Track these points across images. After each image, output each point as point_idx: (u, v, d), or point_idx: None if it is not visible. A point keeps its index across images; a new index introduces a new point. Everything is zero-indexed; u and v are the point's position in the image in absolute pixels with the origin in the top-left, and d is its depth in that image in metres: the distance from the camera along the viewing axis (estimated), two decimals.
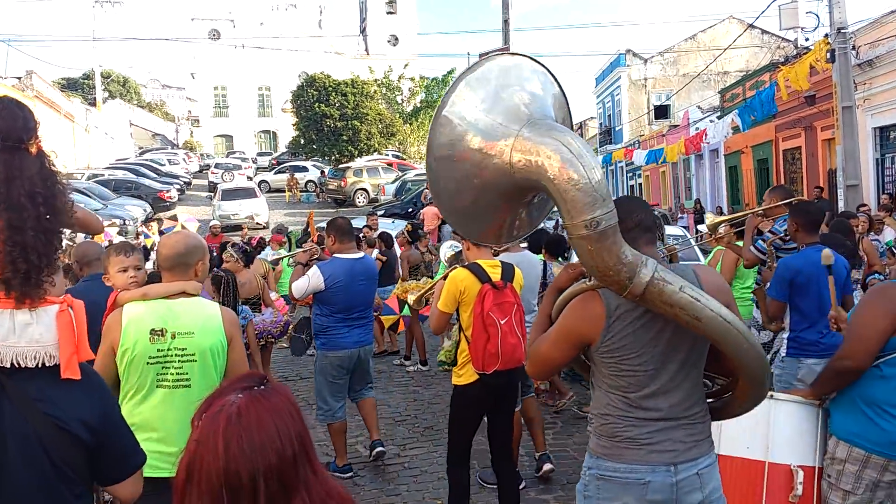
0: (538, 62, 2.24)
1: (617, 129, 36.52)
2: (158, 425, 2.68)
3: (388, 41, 56.62)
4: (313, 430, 5.04)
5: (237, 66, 56.40)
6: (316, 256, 5.31)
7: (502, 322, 3.81)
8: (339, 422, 5.05)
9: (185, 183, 32.72)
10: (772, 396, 2.81)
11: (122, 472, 1.92)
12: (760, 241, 4.79)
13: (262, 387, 1.20)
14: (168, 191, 26.42)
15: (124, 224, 16.57)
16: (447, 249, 6.75)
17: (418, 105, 37.87)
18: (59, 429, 1.79)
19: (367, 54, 55.19)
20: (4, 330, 1.79)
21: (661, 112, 32.45)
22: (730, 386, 2.36)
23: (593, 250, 2.00)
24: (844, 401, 2.74)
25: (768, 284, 4.16)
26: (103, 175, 28.03)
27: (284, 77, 53.30)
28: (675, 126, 27.47)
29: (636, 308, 2.16)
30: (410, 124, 36.47)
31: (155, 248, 10.61)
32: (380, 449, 5.20)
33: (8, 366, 1.78)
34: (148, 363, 2.70)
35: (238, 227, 21.04)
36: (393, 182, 26.98)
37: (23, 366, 1.79)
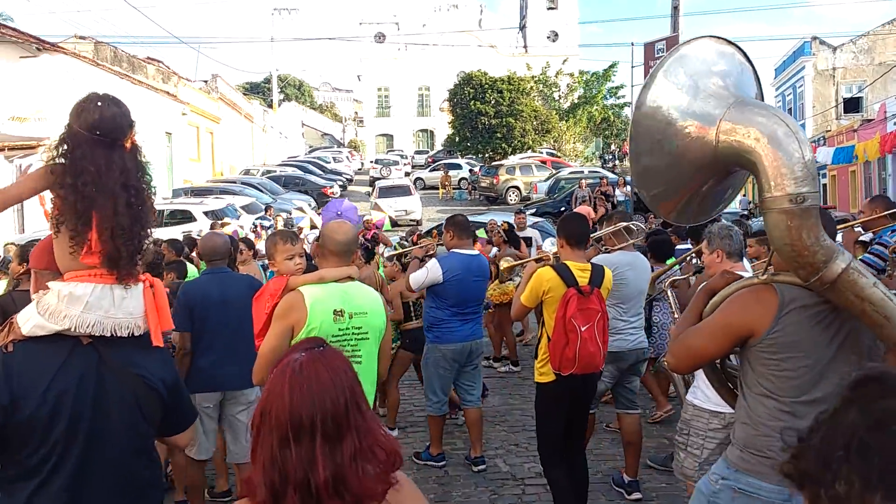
0: (737, 46, 2.29)
1: (800, 123, 33.21)
2: None
3: (548, 37, 55.80)
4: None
5: (399, 67, 58.40)
6: (431, 252, 5.40)
7: (583, 329, 3.81)
8: (443, 414, 5.33)
9: (347, 179, 34.30)
10: None
11: (184, 424, 2.29)
12: (878, 247, 4.55)
13: (321, 348, 1.47)
14: (331, 187, 27.82)
15: (289, 216, 17.61)
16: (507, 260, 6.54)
17: (576, 101, 36.80)
18: (148, 387, 2.08)
19: (526, 51, 54.79)
20: (107, 303, 2.02)
21: (852, 105, 29.17)
22: None
23: (793, 226, 1.95)
24: None
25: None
26: (275, 171, 30.09)
27: (443, 77, 54.34)
28: (869, 121, 24.49)
29: (812, 306, 2.09)
30: (567, 121, 35.54)
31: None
32: (480, 467, 5.23)
33: (108, 335, 2.01)
34: (330, 341, 2.81)
35: (394, 224, 21.69)
36: (546, 180, 26.40)
37: (118, 335, 2.03)
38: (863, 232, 5.01)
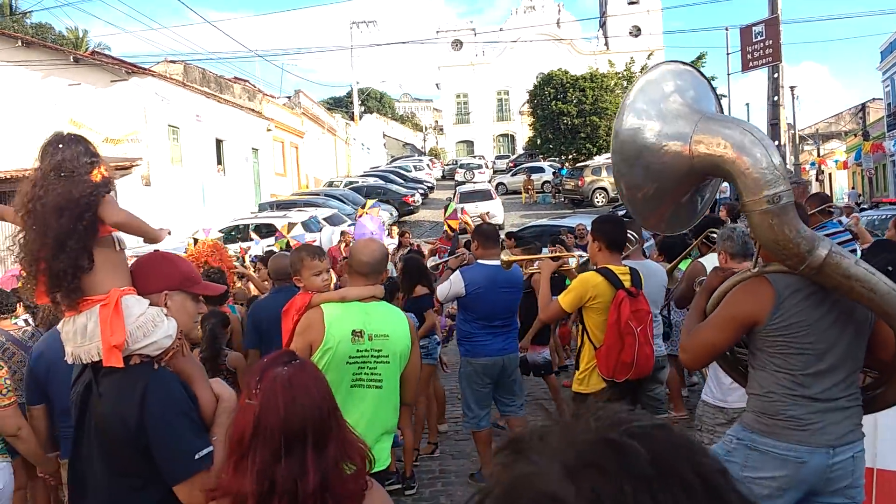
0: (695, 68, 2.56)
1: None
2: (350, 422, 2.58)
3: (631, 32, 53.94)
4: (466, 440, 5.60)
5: (477, 72, 58.10)
6: (465, 262, 5.22)
7: (638, 330, 3.76)
8: (485, 430, 4.97)
9: (428, 187, 34.13)
10: None
11: (171, 475, 1.92)
12: None
13: (297, 360, 1.55)
14: (413, 195, 27.69)
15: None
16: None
17: None
18: (105, 422, 1.98)
19: (607, 48, 53.21)
20: (72, 334, 2.05)
21: None
22: (882, 379, 2.45)
23: (775, 224, 2.14)
24: None
25: None
26: (357, 182, 30.28)
27: (522, 80, 53.57)
28: None
29: (804, 289, 2.29)
30: None
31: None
32: None
33: (85, 362, 2.04)
34: (347, 363, 2.79)
35: None
36: None
37: (85, 361, 2.03)
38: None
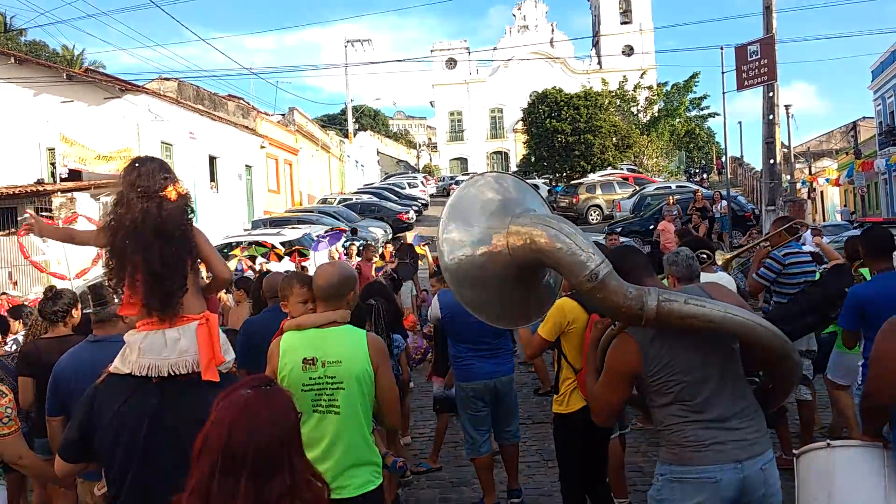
0: (505, 174, 2.94)
1: None
2: (314, 445, 2.75)
3: (623, 51, 54.39)
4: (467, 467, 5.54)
5: (471, 91, 58.40)
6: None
7: None
8: (485, 456, 4.87)
9: (422, 204, 34.07)
10: (829, 445, 2.69)
11: None
12: (770, 261, 5.23)
13: (269, 386, 1.53)
14: (407, 212, 27.58)
15: (359, 245, 17.34)
16: None
17: (656, 114, 35.35)
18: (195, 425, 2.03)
19: (600, 67, 53.58)
20: (159, 346, 2.22)
21: None
22: (768, 378, 2.71)
23: (602, 297, 2.35)
24: None
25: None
26: (351, 199, 30.17)
27: (516, 98, 53.87)
28: None
29: (661, 334, 2.48)
30: (648, 135, 34.11)
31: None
32: (515, 501, 4.90)
33: (165, 375, 2.22)
34: (302, 390, 2.79)
35: None
36: (629, 197, 25.17)
37: (177, 374, 2.23)
38: (771, 248, 5.38)
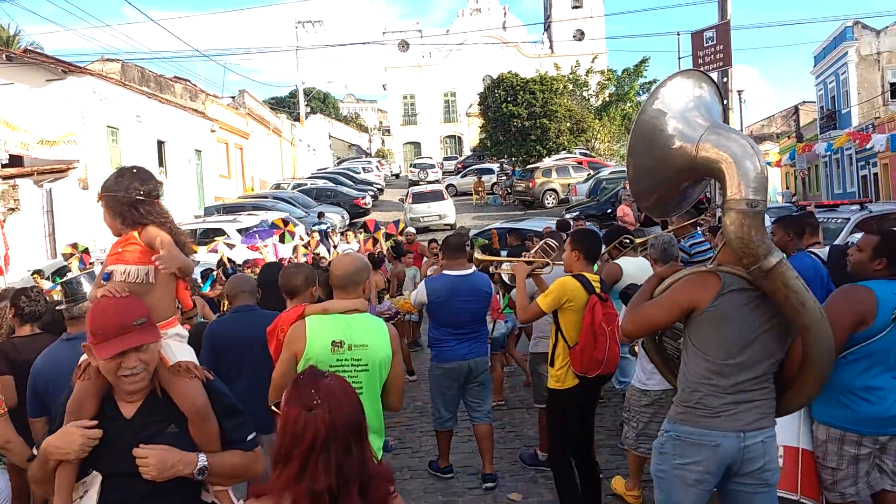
0: (712, 79, 2.86)
1: (843, 112, 31.83)
2: None
3: (574, 36, 54.77)
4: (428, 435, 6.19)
5: (424, 74, 57.99)
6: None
7: (609, 330, 4.16)
8: (448, 430, 5.34)
9: (378, 189, 33.78)
10: None
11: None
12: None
13: (327, 372, 1.78)
14: (363, 197, 27.32)
15: (326, 229, 17.07)
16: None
17: (608, 99, 35.72)
18: None
19: (552, 52, 53.86)
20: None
21: None
22: (789, 383, 2.77)
23: (746, 224, 2.51)
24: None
25: None
26: (306, 184, 29.68)
27: (469, 82, 53.72)
28: None
29: (746, 291, 2.66)
30: (601, 119, 34.46)
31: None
32: (489, 485, 5.12)
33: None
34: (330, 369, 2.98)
35: (426, 229, 21.12)
36: (585, 181, 25.46)
37: None
38: (677, 237, 5.97)
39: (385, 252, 11.76)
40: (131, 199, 2.25)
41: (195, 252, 2.44)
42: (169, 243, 2.19)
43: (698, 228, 6.89)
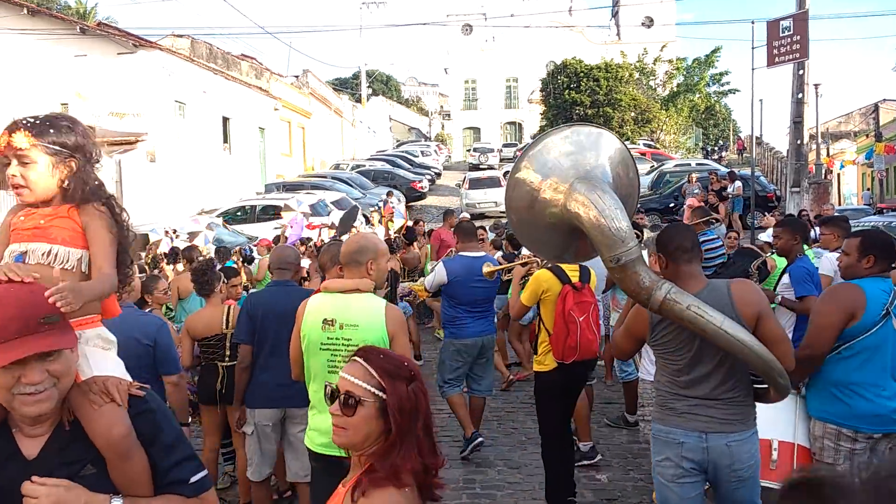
0: (613, 135, 2.98)
1: None
2: (324, 407, 3.07)
3: (643, 23, 53.24)
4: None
5: (487, 58, 57.45)
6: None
7: (580, 319, 4.36)
8: (457, 394, 5.56)
9: (435, 173, 33.69)
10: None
11: None
12: None
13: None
14: (420, 181, 27.25)
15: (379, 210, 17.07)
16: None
17: (675, 89, 34.62)
18: None
19: (619, 38, 52.54)
20: None
21: None
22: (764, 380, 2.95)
23: (620, 278, 2.73)
24: (816, 385, 3.36)
25: None
26: (364, 166, 29.82)
27: (532, 68, 52.96)
28: None
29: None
30: (667, 110, 33.44)
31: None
32: (480, 440, 5.42)
33: None
34: (320, 349, 3.06)
35: (482, 216, 20.98)
36: (647, 174, 24.75)
37: None
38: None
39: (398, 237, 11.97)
40: (93, 168, 1.79)
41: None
42: (103, 253, 1.71)
43: (711, 226, 7.10)
